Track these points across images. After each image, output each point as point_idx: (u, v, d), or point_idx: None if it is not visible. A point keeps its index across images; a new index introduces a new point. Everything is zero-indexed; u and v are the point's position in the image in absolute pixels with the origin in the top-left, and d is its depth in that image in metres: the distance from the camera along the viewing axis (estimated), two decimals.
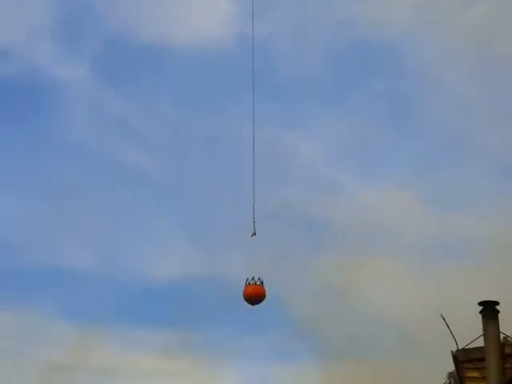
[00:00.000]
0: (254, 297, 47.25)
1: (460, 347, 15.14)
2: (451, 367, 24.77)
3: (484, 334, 14.41)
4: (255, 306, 47.86)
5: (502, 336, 14.67)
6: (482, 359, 14.43)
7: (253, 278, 44.58)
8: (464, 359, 15.18)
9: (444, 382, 46.81)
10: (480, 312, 14.52)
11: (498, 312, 14.46)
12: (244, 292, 47.81)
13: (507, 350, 14.58)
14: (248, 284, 47.62)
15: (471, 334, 15.11)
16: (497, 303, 14.48)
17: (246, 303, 44.64)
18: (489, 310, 14.47)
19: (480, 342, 14.57)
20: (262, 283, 44.42)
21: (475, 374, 15.00)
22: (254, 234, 41.56)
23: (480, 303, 14.53)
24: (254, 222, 41.99)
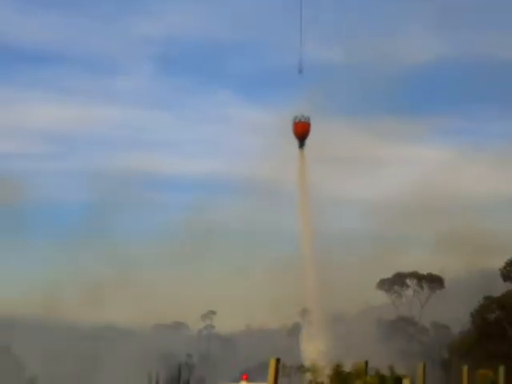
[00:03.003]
0: (301, 133, 56.71)
1: None
2: None
3: None
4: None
5: None
6: None
7: (297, 116, 54.04)
8: None
9: None
10: None
11: None
12: (294, 129, 57.32)
13: None
14: (297, 121, 56.99)
15: None
16: None
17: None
18: None
19: None
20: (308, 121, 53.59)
21: None
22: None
23: None
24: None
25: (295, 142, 74.64)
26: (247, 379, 20.49)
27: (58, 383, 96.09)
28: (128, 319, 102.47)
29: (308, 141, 71.09)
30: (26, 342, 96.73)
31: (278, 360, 18.17)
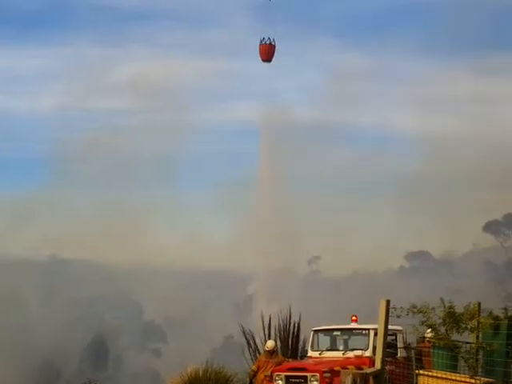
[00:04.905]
0: (267, 55, 52.97)
1: None
2: None
3: None
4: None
5: None
6: None
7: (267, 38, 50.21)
8: None
9: None
10: None
11: None
12: (260, 51, 53.55)
13: None
14: (263, 43, 52.85)
15: None
16: None
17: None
18: None
19: None
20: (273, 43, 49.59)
21: None
22: None
23: None
24: None
25: None
26: (356, 321, 19.88)
27: (173, 326, 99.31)
28: (240, 265, 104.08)
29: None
30: (143, 288, 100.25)
31: (388, 301, 17.35)
